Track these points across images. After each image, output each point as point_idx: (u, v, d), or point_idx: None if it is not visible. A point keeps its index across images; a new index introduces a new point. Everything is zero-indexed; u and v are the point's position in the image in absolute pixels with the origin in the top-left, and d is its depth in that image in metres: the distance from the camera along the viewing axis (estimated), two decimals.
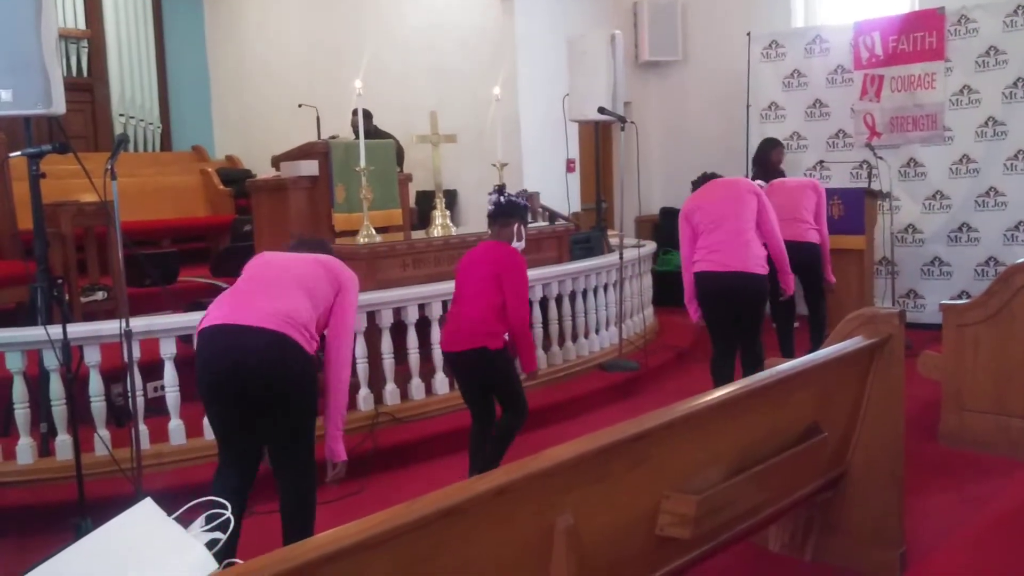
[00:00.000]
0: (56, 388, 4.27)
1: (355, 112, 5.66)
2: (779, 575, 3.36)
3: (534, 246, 6.13)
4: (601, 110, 6.72)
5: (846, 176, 7.92)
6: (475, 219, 8.29)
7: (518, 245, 4.21)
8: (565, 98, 7.33)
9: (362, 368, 5.06)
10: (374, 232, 5.54)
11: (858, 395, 3.24)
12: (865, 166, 7.53)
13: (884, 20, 7.76)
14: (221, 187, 9.89)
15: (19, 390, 4.29)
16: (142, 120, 11.12)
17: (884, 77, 7.70)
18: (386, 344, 5.14)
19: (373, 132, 7.77)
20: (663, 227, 9.36)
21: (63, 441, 4.27)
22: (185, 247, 8.69)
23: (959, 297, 6.75)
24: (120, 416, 4.82)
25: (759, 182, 6.97)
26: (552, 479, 1.99)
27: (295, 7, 10.59)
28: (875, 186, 7.21)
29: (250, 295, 3.22)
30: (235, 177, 10.09)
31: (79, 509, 3.74)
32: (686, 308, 5.17)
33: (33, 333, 4.18)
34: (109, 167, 3.68)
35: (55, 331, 3.89)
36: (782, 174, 7.46)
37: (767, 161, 7.38)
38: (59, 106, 4.33)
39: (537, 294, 5.85)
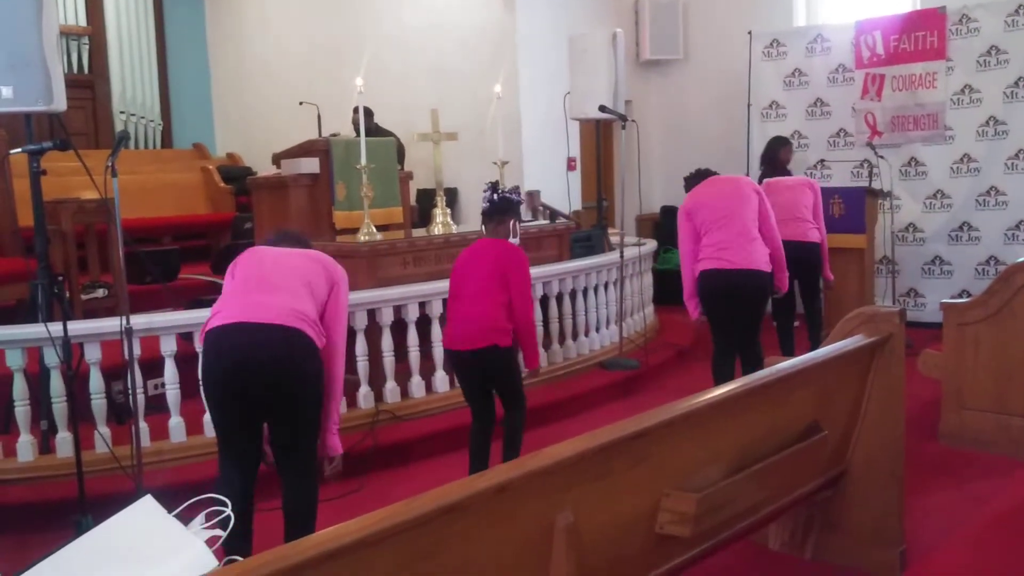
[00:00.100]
0: (57, 385, 4.27)
1: (356, 110, 5.66)
2: (779, 573, 3.37)
3: (535, 244, 6.14)
4: (602, 108, 6.72)
5: (847, 175, 7.92)
6: (476, 217, 8.23)
7: (513, 241, 4.22)
8: (566, 96, 7.33)
9: (362, 366, 5.06)
10: (375, 230, 5.54)
11: (858, 394, 3.24)
12: (866, 165, 7.53)
13: (885, 19, 7.75)
14: (222, 184, 9.90)
15: (20, 387, 4.30)
16: (143, 117, 11.11)
17: (885, 76, 7.70)
18: (386, 342, 5.14)
19: (374, 130, 7.76)
20: (664, 225, 9.36)
21: (64, 438, 4.27)
22: (186, 244, 8.69)
23: (960, 296, 6.75)
24: (120, 413, 4.82)
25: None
26: (552, 477, 1.99)
27: (296, 5, 10.58)
28: (876, 185, 7.21)
29: (256, 292, 3.20)
30: (236, 175, 10.08)
31: (79, 506, 3.74)
32: (685, 305, 5.16)
33: (34, 330, 4.19)
34: (110, 164, 3.68)
35: (56, 328, 3.90)
36: (789, 173, 7.47)
37: (776, 159, 7.38)
38: (60, 103, 4.33)
39: (538, 292, 5.85)
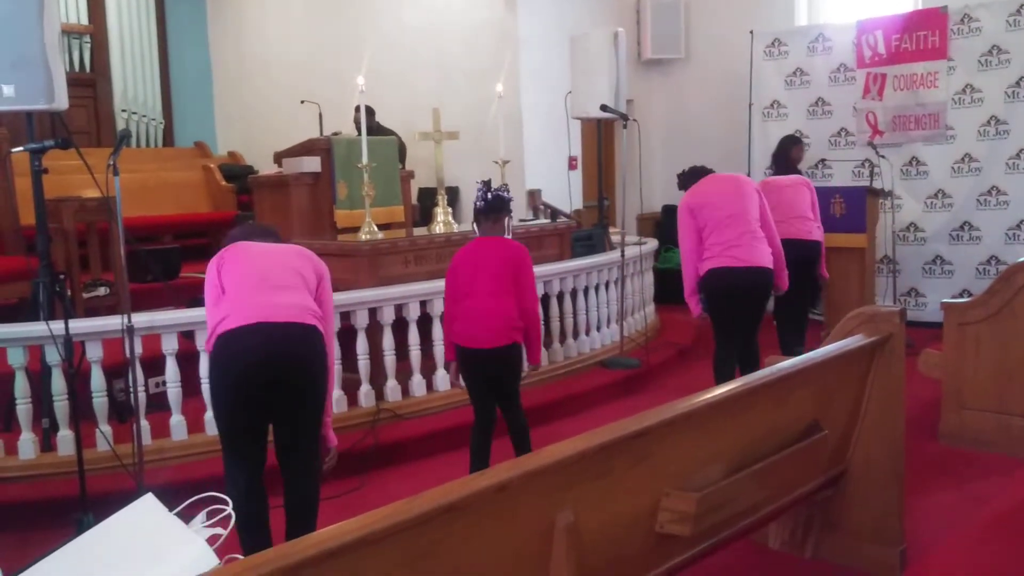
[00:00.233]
0: (58, 384, 4.27)
1: (357, 109, 5.67)
2: (779, 573, 3.37)
3: (536, 243, 6.14)
4: (603, 108, 6.73)
5: (848, 175, 7.92)
6: None
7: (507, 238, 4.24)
8: (567, 95, 7.33)
9: (363, 365, 5.06)
10: (376, 229, 5.55)
11: (859, 393, 3.24)
12: (867, 165, 7.53)
13: (887, 19, 7.75)
14: (223, 183, 9.90)
15: (21, 385, 4.30)
16: (144, 116, 11.12)
17: (886, 76, 7.69)
18: (387, 341, 5.14)
19: (376, 129, 7.77)
20: (665, 224, 9.36)
21: (65, 436, 4.28)
22: (187, 243, 8.69)
23: (960, 296, 6.74)
24: (122, 412, 4.83)
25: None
26: (553, 476, 1.99)
27: (298, 4, 10.59)
28: (877, 185, 7.21)
29: (262, 292, 3.18)
30: (237, 173, 10.09)
31: (81, 504, 3.75)
32: (687, 303, 5.13)
33: (35, 329, 4.19)
34: (111, 163, 3.68)
35: (57, 327, 3.90)
36: (800, 173, 7.47)
37: (787, 158, 7.37)
38: (61, 102, 4.34)
39: (539, 291, 5.82)
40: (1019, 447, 4.37)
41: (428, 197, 8.29)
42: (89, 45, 10.66)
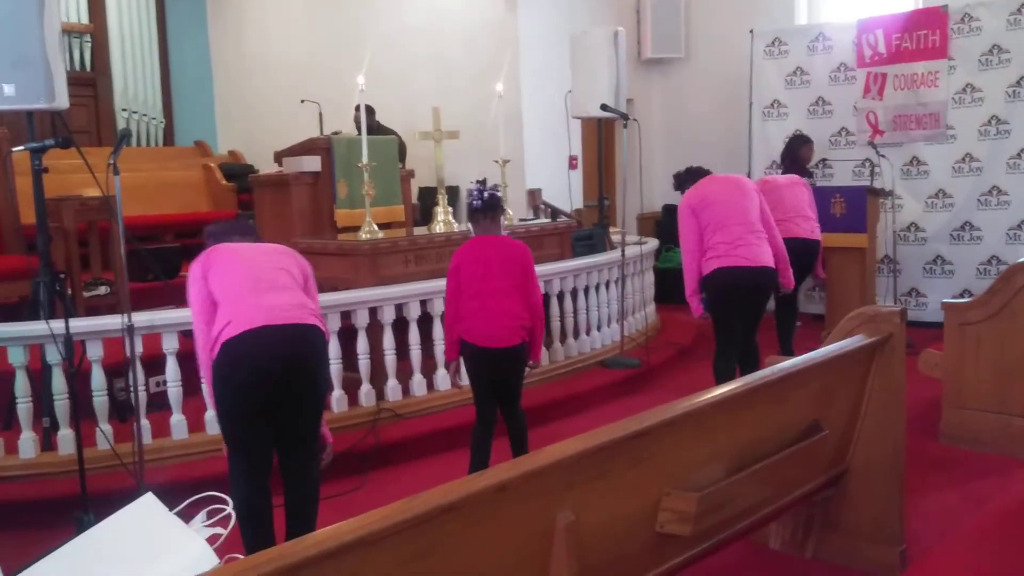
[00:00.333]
0: (58, 383, 4.28)
1: (358, 108, 5.67)
2: (779, 572, 3.37)
3: (536, 243, 6.14)
4: (603, 107, 6.72)
5: (848, 174, 7.92)
6: None
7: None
8: (567, 95, 7.33)
9: (364, 364, 5.06)
10: (376, 228, 5.55)
11: (859, 393, 3.24)
12: (867, 164, 7.53)
13: (887, 18, 7.74)
14: (223, 182, 9.90)
15: (21, 384, 4.30)
16: (145, 115, 11.12)
17: (887, 75, 7.69)
18: (388, 340, 5.14)
19: (376, 128, 7.77)
20: (665, 224, 9.36)
21: (65, 435, 4.28)
22: (187, 242, 8.68)
23: (961, 296, 6.74)
24: (122, 411, 4.83)
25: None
26: (553, 476, 1.99)
27: (298, 3, 10.58)
28: (877, 184, 7.22)
29: (262, 294, 3.18)
30: (237, 172, 10.08)
31: (81, 503, 3.75)
32: (688, 303, 5.10)
33: (35, 328, 4.19)
34: (112, 162, 3.68)
35: (57, 326, 3.90)
36: (809, 173, 7.49)
37: (797, 158, 7.41)
38: (62, 101, 4.34)
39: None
40: (1019, 447, 4.37)
41: (428, 196, 8.28)
42: (89, 44, 10.65)
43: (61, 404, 4.29)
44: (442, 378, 5.40)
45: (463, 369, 4.26)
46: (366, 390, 5.09)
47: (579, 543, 2.05)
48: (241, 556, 1.95)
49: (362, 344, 5.04)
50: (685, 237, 5.03)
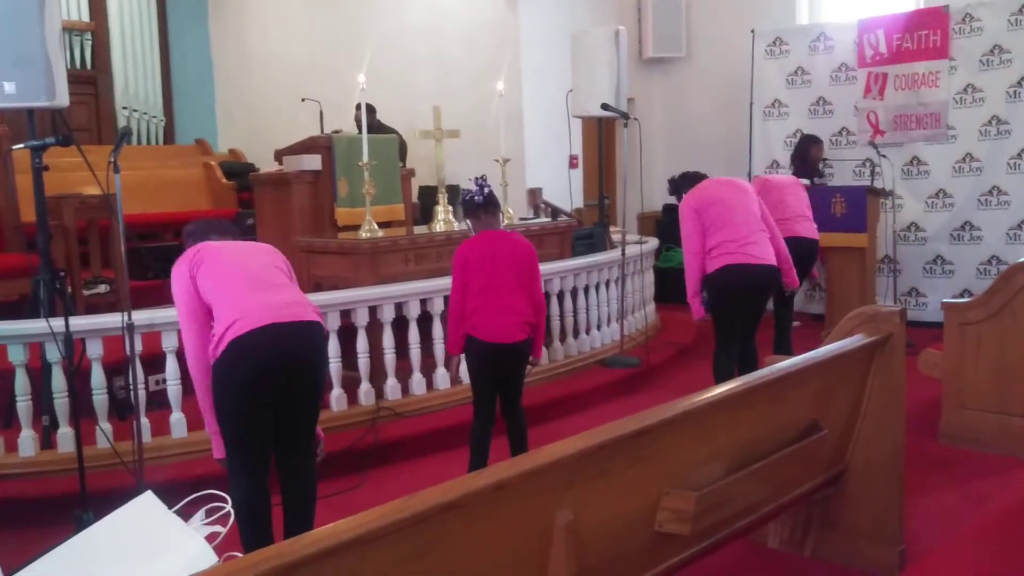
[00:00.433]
0: (58, 381, 4.28)
1: (358, 106, 5.67)
2: (778, 572, 3.37)
3: (536, 242, 6.12)
4: (604, 106, 6.72)
5: (849, 174, 7.92)
6: None
7: None
8: (568, 94, 7.33)
9: (363, 363, 5.06)
10: (376, 227, 5.54)
11: (859, 393, 3.24)
12: (868, 164, 7.52)
13: (888, 18, 7.74)
14: (224, 181, 9.89)
15: (21, 383, 4.30)
16: (145, 113, 11.11)
17: (888, 75, 7.69)
18: (388, 339, 5.14)
19: (376, 126, 7.77)
20: (665, 223, 9.36)
21: (65, 434, 4.28)
22: None
23: (961, 296, 6.74)
24: (122, 409, 4.83)
25: (803, 181, 7.04)
26: (552, 475, 1.99)
27: (299, 1, 10.58)
28: (878, 184, 7.21)
29: (262, 292, 3.16)
30: (238, 171, 10.08)
31: (81, 501, 3.75)
32: (689, 304, 5.08)
33: (35, 326, 4.19)
34: (112, 160, 3.68)
35: (57, 324, 3.90)
36: (820, 173, 7.48)
37: (807, 157, 7.40)
38: (62, 99, 4.34)
39: None
40: (1019, 447, 4.37)
41: (429, 195, 8.27)
42: (90, 42, 10.65)
43: (61, 402, 4.29)
44: (442, 377, 5.40)
45: (463, 365, 4.27)
46: (365, 389, 5.09)
47: (578, 542, 2.05)
48: (240, 554, 1.95)
49: (362, 343, 5.04)
50: (688, 239, 5.02)
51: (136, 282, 5.33)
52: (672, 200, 5.53)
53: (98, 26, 10.67)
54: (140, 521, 2.44)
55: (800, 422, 2.95)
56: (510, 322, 4.01)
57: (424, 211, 7.97)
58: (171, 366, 4.52)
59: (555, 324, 6.11)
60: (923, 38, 7.45)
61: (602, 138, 7.78)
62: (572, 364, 6.16)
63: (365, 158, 5.42)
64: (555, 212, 7.23)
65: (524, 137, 8.51)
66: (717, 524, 2.56)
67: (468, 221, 4.26)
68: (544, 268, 5.85)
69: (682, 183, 5.28)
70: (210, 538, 2.29)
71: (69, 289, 5.44)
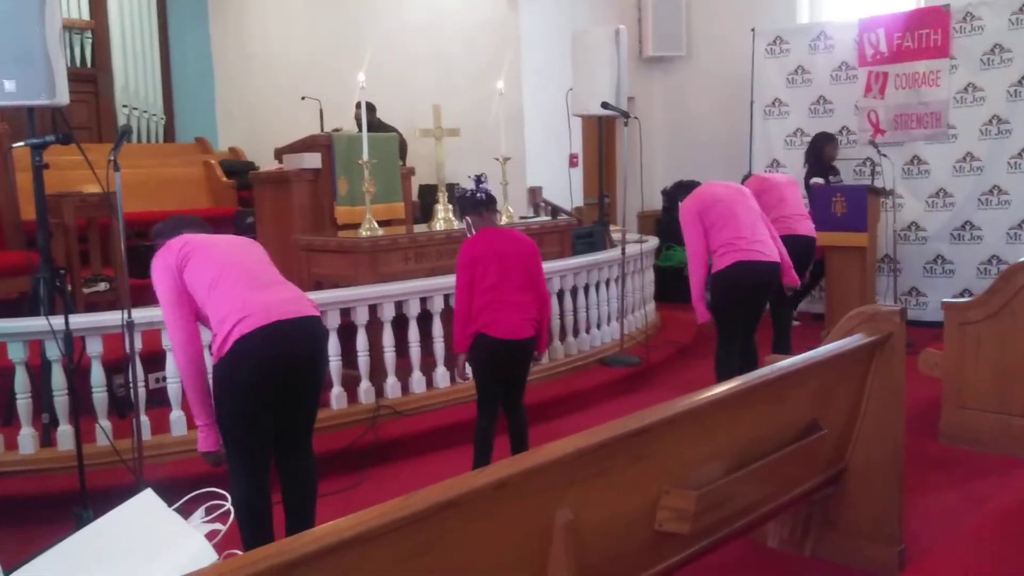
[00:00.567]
0: (58, 378, 4.28)
1: (358, 105, 5.67)
2: (778, 571, 3.37)
3: (536, 240, 6.12)
4: (604, 105, 6.72)
5: (849, 173, 7.90)
6: None
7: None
8: (568, 93, 7.33)
9: (363, 361, 5.06)
10: (376, 225, 5.54)
11: (859, 392, 3.24)
12: (868, 163, 7.52)
13: (889, 17, 7.74)
14: (224, 179, 9.89)
15: (21, 380, 4.30)
16: (145, 111, 11.11)
17: (888, 74, 7.68)
18: (387, 337, 5.14)
19: (377, 125, 7.77)
20: (665, 222, 9.34)
21: (65, 431, 4.28)
22: None
23: (961, 295, 6.74)
24: (122, 407, 4.83)
25: (817, 180, 7.04)
26: (552, 474, 1.99)
27: (299, 0, 10.58)
28: (878, 183, 7.21)
29: (262, 289, 3.14)
30: (238, 169, 10.08)
31: (80, 499, 3.75)
32: (695, 308, 5.05)
33: (35, 324, 4.20)
34: (112, 158, 3.68)
35: (57, 322, 3.90)
36: (836, 171, 7.47)
37: (821, 155, 7.39)
38: (63, 97, 4.34)
39: None
40: (1019, 447, 4.37)
41: (429, 194, 8.27)
42: (90, 40, 10.65)
43: (60, 400, 4.29)
44: (442, 375, 5.40)
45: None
46: (365, 387, 5.09)
47: (578, 541, 2.05)
48: (240, 552, 1.95)
49: (362, 341, 5.04)
50: (692, 242, 5.02)
51: (136, 280, 5.29)
52: None
53: (98, 24, 10.66)
54: (140, 519, 2.44)
55: (800, 421, 2.95)
56: (520, 318, 4.03)
57: (424, 210, 7.97)
58: (171, 364, 4.50)
59: (555, 323, 6.10)
60: (924, 37, 7.45)
61: (602, 137, 7.77)
62: (572, 363, 6.16)
63: (365, 157, 5.42)
64: (555, 211, 7.23)
65: (524, 136, 8.50)
66: (717, 523, 2.57)
67: (468, 219, 4.23)
68: (544, 267, 5.82)
69: (676, 192, 5.32)
70: (210, 536, 2.29)
71: (69, 287, 5.44)
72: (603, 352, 6.44)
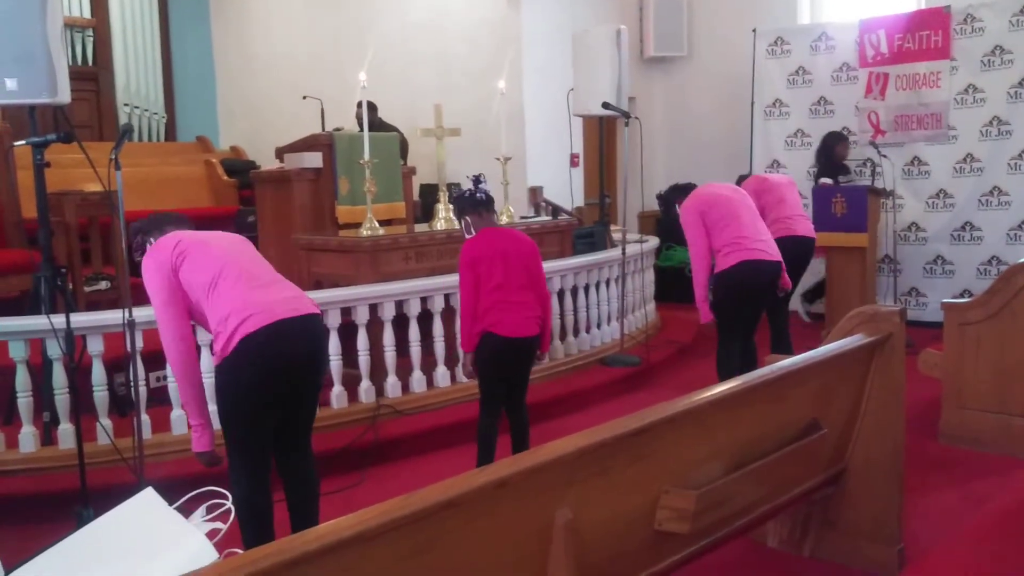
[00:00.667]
0: (59, 377, 4.28)
1: (359, 104, 5.67)
2: (777, 571, 3.37)
3: (536, 240, 6.12)
4: (605, 105, 6.72)
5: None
6: None
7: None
8: (569, 93, 7.33)
9: (364, 360, 5.07)
10: (377, 225, 5.55)
11: (859, 392, 3.25)
12: (869, 164, 7.52)
13: (890, 18, 7.74)
14: (225, 178, 9.89)
15: (22, 379, 4.30)
16: (147, 110, 11.11)
17: (889, 75, 7.69)
18: (388, 337, 5.14)
19: (378, 124, 7.77)
20: (666, 222, 9.33)
21: (66, 430, 4.28)
22: None
23: (961, 296, 6.75)
24: (122, 405, 4.83)
25: (826, 180, 7.04)
26: (552, 473, 2.00)
27: None
28: (878, 184, 7.21)
29: (264, 287, 3.13)
30: (239, 168, 10.08)
31: (81, 498, 3.75)
32: (699, 308, 5.06)
33: (36, 322, 4.20)
34: (113, 157, 3.69)
35: (58, 320, 3.91)
36: (847, 170, 7.46)
37: (832, 155, 7.36)
38: (64, 95, 4.34)
39: None
40: (1019, 447, 4.37)
41: (430, 193, 8.27)
42: (92, 38, 10.65)
43: (61, 399, 4.29)
44: (442, 375, 5.40)
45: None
46: (366, 386, 5.09)
47: (578, 540, 2.05)
48: (241, 551, 1.95)
49: (362, 340, 5.04)
50: (695, 242, 5.02)
51: (137, 279, 5.33)
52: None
53: (100, 22, 10.66)
54: (141, 518, 2.44)
55: (800, 421, 2.96)
56: (525, 317, 4.05)
57: (425, 209, 7.98)
58: None
59: (556, 323, 6.10)
60: (924, 38, 7.45)
61: (603, 137, 7.78)
62: (572, 362, 6.17)
63: (366, 156, 5.42)
64: (556, 210, 7.23)
65: (525, 135, 8.51)
66: (717, 523, 2.57)
67: (467, 219, 4.22)
68: (545, 267, 5.82)
69: (672, 195, 5.33)
70: (211, 535, 2.29)
71: (70, 285, 5.44)
72: (603, 352, 6.44)
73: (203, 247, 3.16)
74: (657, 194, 5.42)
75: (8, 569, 2.64)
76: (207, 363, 4.40)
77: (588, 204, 8.78)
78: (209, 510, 2.59)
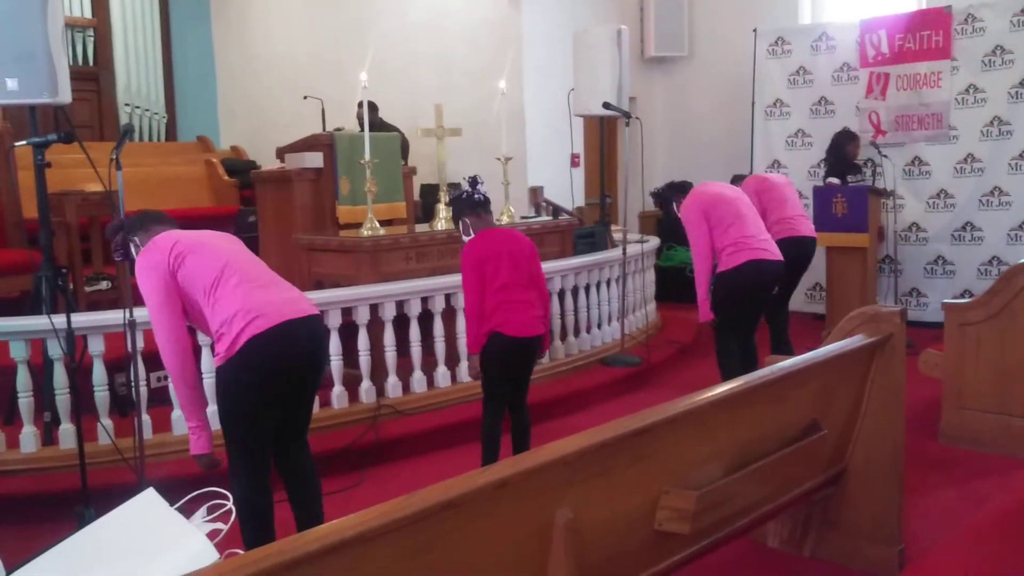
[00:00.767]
0: (60, 377, 4.28)
1: (360, 104, 5.67)
2: (778, 571, 3.38)
3: (537, 240, 6.13)
4: (606, 105, 6.72)
5: None
6: None
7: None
8: (570, 93, 7.33)
9: (364, 361, 5.07)
10: (378, 225, 5.55)
11: (859, 393, 3.25)
12: (869, 164, 7.52)
13: (891, 18, 7.74)
14: (226, 178, 9.89)
15: (23, 379, 4.31)
16: (147, 110, 11.11)
17: (890, 75, 7.68)
18: (389, 337, 5.14)
19: (378, 124, 7.77)
20: (666, 222, 9.33)
21: (66, 430, 4.28)
22: None
23: (962, 296, 6.74)
24: (123, 405, 4.84)
25: (833, 179, 7.04)
26: (553, 473, 2.00)
27: None
28: (879, 184, 7.21)
29: (265, 287, 3.13)
30: (240, 168, 10.08)
31: (82, 498, 3.76)
32: (700, 307, 5.06)
33: (37, 322, 4.20)
34: (114, 157, 3.69)
35: (59, 320, 3.91)
36: (858, 169, 7.46)
37: (843, 154, 7.34)
38: (65, 95, 4.34)
39: None
40: (1019, 447, 4.37)
41: (430, 193, 8.27)
42: (92, 38, 10.65)
43: (62, 399, 4.30)
44: (442, 375, 5.40)
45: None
46: (366, 387, 5.09)
47: (578, 540, 2.06)
48: (241, 552, 1.96)
49: (363, 341, 5.04)
50: (698, 241, 5.01)
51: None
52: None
53: (100, 22, 10.66)
54: (141, 518, 2.45)
55: (800, 422, 2.96)
56: (531, 316, 4.06)
57: (426, 209, 7.98)
58: None
59: (556, 323, 6.11)
60: (925, 38, 7.45)
61: (604, 137, 7.78)
62: (573, 363, 6.17)
63: (367, 156, 5.43)
64: (556, 211, 7.23)
65: (526, 135, 8.51)
66: (717, 523, 2.57)
67: (466, 220, 4.21)
68: (545, 267, 5.83)
69: (669, 193, 5.33)
70: (211, 535, 2.30)
71: (71, 285, 5.45)
72: (604, 352, 6.45)
73: (203, 248, 3.14)
74: (652, 191, 5.42)
75: (9, 569, 2.64)
76: (206, 364, 4.40)
77: (589, 204, 8.78)
78: (210, 511, 2.59)
